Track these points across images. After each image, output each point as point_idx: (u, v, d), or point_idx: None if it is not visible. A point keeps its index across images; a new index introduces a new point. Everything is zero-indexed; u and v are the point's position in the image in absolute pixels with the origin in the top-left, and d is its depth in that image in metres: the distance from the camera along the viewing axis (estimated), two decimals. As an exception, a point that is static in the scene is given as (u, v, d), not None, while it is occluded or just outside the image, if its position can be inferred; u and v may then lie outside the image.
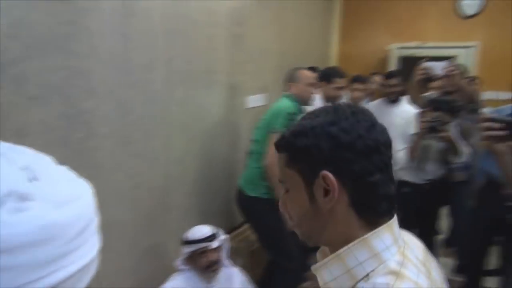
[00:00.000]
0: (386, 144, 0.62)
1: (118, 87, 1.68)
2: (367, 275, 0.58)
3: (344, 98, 3.23)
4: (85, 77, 1.52)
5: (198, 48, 2.21)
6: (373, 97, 3.98)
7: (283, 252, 2.27)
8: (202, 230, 1.75)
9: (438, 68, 2.37)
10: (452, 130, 2.47)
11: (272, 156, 2.15)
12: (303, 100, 2.41)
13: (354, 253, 0.59)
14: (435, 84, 2.81)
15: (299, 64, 3.79)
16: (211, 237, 1.72)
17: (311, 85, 2.42)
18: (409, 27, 4.72)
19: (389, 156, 0.63)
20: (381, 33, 4.86)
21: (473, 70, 4.42)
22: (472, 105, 2.58)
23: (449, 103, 2.40)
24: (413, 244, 0.67)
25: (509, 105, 2.19)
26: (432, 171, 2.63)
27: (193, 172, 2.29)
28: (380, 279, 0.56)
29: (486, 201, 2.36)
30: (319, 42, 4.55)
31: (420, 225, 2.67)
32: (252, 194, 2.31)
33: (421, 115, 2.46)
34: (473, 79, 3.41)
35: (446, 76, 2.32)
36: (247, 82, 2.82)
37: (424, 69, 2.41)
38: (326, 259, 0.62)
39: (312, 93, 2.44)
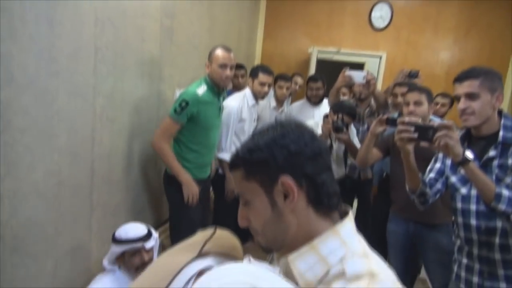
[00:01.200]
0: (326, 150, 0.73)
1: (39, 76, 1.53)
2: (340, 260, 0.65)
3: (271, 94, 3.36)
4: (2, 63, 1.36)
5: (128, 39, 2.11)
6: (294, 97, 4.20)
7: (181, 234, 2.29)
8: (136, 229, 1.67)
9: (359, 77, 2.61)
10: (351, 133, 2.71)
11: (158, 135, 2.25)
12: (215, 82, 2.33)
13: (326, 242, 0.67)
14: (354, 89, 3.08)
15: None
16: (146, 237, 1.65)
17: (223, 66, 2.29)
18: (327, 33, 5.05)
19: (329, 160, 0.74)
20: (301, 35, 5.12)
21: (380, 76, 4.92)
22: (383, 110, 2.89)
23: (349, 107, 2.64)
24: None
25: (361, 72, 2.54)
26: (335, 171, 2.84)
27: (119, 168, 2.19)
28: (355, 264, 0.64)
29: (383, 196, 2.68)
30: (246, 40, 4.63)
31: None
32: (170, 173, 2.33)
33: (324, 118, 2.69)
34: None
35: (366, 84, 2.58)
36: (177, 75, 2.76)
37: (347, 77, 2.63)
38: (300, 250, 0.68)
39: (224, 76, 2.30)
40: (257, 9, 5.01)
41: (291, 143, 0.68)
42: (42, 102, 1.57)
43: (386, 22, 4.88)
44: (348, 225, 0.70)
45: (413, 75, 3.12)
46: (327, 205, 0.70)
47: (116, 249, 1.63)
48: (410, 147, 1.61)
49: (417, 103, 2.15)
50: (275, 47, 5.20)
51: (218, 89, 2.36)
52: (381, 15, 4.87)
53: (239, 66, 3.63)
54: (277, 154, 0.68)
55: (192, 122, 2.26)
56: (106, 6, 1.86)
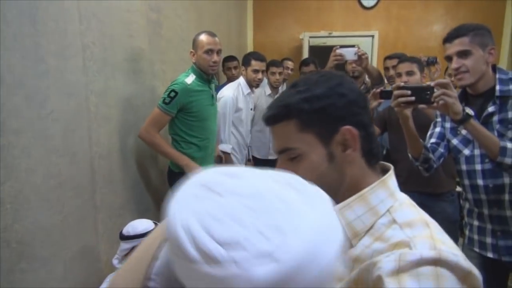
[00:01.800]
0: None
1: (27, 76, 1.50)
2: (388, 210, 0.65)
3: (265, 82, 3.33)
4: (-11, 65, 1.33)
5: (115, 35, 2.07)
6: (289, 82, 4.17)
7: None
8: (143, 224, 1.65)
9: (350, 53, 2.56)
10: None
11: (145, 126, 2.19)
12: (203, 70, 2.27)
13: (376, 193, 0.67)
14: (348, 67, 3.03)
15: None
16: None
17: (209, 52, 2.23)
18: (317, 18, 5.00)
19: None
20: (292, 22, 5.08)
21: (373, 56, 4.88)
22: (378, 85, 2.85)
23: None
24: None
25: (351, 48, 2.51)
26: None
27: (120, 167, 2.16)
28: (405, 213, 0.64)
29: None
30: (236, 32, 4.59)
31: None
32: (175, 169, 2.28)
33: None
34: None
35: (358, 59, 2.53)
36: (170, 71, 2.73)
37: (338, 55, 2.57)
38: (348, 200, 0.67)
39: (211, 61, 2.24)
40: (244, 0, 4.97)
41: (349, 91, 0.67)
42: (34, 102, 1.53)
43: (375, 0, 4.83)
44: (393, 178, 0.70)
45: (431, 62, 3.07)
46: (376, 158, 0.71)
47: (126, 246, 1.61)
48: (408, 111, 1.58)
49: (409, 73, 2.16)
50: (266, 36, 5.16)
51: (207, 76, 2.31)
52: (368, -7, 4.82)
53: (231, 58, 3.61)
54: (336, 102, 0.65)
55: (187, 114, 2.23)
56: (89, 2, 1.83)
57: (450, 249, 0.57)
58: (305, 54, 4.80)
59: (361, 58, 2.54)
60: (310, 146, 0.66)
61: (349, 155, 0.67)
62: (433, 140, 1.69)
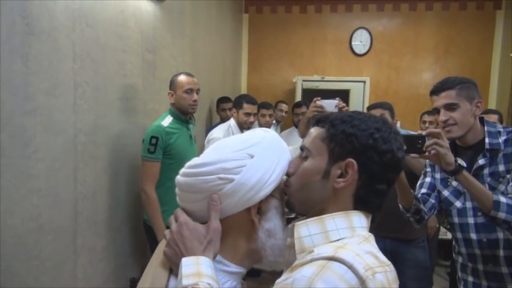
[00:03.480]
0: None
1: (15, 114, 1.46)
2: (340, 239, 0.67)
3: (256, 123, 3.32)
4: (-26, 102, 1.29)
5: (109, 75, 2.07)
6: (283, 124, 4.19)
7: None
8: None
9: (330, 105, 2.55)
10: None
11: (142, 181, 2.16)
12: (182, 110, 2.28)
13: (335, 220, 0.69)
14: None
15: (213, 95, 3.83)
16: None
17: (189, 91, 2.25)
18: (310, 62, 5.13)
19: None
20: (285, 66, 5.20)
21: (365, 101, 4.96)
22: None
23: None
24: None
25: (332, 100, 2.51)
26: None
27: (105, 208, 2.08)
28: (354, 246, 0.65)
29: None
30: (230, 73, 4.66)
31: None
32: (149, 224, 2.19)
33: None
34: None
35: (338, 112, 2.52)
36: (162, 110, 2.71)
37: (318, 106, 2.56)
38: (308, 219, 0.71)
39: (191, 101, 2.25)
40: (239, 42, 5.09)
41: (381, 138, 0.69)
42: (19, 141, 1.48)
43: (366, 48, 4.99)
44: (362, 217, 0.71)
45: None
46: (366, 208, 0.72)
47: None
48: None
49: None
50: (260, 79, 5.25)
51: (185, 117, 2.31)
52: (361, 41, 4.98)
53: (226, 99, 3.63)
54: (362, 137, 0.69)
55: (166, 157, 2.18)
56: (84, 41, 1.83)
57: (355, 254, 0.61)
58: (298, 97, 4.86)
59: (341, 111, 2.53)
60: (319, 155, 0.73)
61: (339, 183, 0.70)
62: (423, 190, 1.65)
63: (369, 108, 2.49)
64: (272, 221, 0.74)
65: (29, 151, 1.54)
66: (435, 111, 1.51)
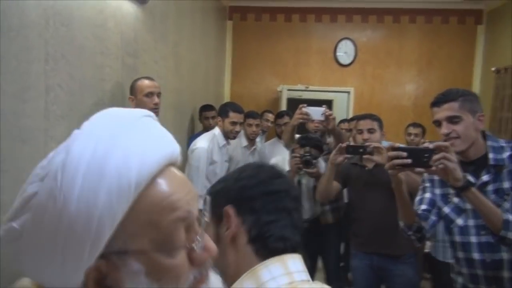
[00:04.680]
0: (287, 193, 0.72)
1: (-24, 119, 1.30)
2: None
3: (241, 133, 3.21)
4: None
5: (86, 78, 1.92)
6: (268, 134, 4.09)
7: None
8: None
9: (317, 113, 2.47)
10: (320, 166, 2.51)
11: None
12: None
13: (243, 284, 0.64)
14: (310, 126, 2.88)
15: (196, 102, 3.70)
16: None
17: (149, 95, 2.13)
18: (294, 71, 5.08)
19: (293, 205, 0.72)
20: (269, 75, 5.12)
21: (349, 111, 4.94)
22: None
23: (316, 140, 2.50)
24: None
25: (319, 108, 2.44)
26: (307, 209, 2.57)
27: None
28: None
29: None
30: (214, 81, 4.55)
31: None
32: None
33: (291, 152, 2.52)
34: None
35: (325, 120, 2.44)
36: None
37: (304, 113, 2.48)
38: (241, 278, 0.65)
39: (152, 104, 2.11)
40: (223, 49, 4.99)
41: (246, 177, 0.71)
42: (-21, 150, 1.32)
43: (351, 58, 4.97)
44: (272, 266, 0.65)
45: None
46: (270, 250, 0.67)
47: None
48: (403, 176, 1.47)
49: (370, 131, 2.19)
50: (244, 87, 5.15)
51: None
52: (345, 51, 4.97)
53: (209, 107, 3.51)
54: (229, 185, 0.71)
55: None
56: (58, 41, 1.69)
57: None
58: (283, 106, 4.77)
59: (328, 119, 2.44)
60: (209, 226, 0.68)
61: (229, 234, 0.67)
62: (424, 206, 1.56)
63: (358, 118, 2.42)
64: None
65: (-8, 161, 1.37)
66: (436, 123, 1.43)
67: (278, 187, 0.71)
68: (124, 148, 0.43)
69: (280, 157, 2.72)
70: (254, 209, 0.68)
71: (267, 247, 0.67)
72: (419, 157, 1.29)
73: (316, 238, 2.61)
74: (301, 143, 2.44)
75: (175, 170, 0.49)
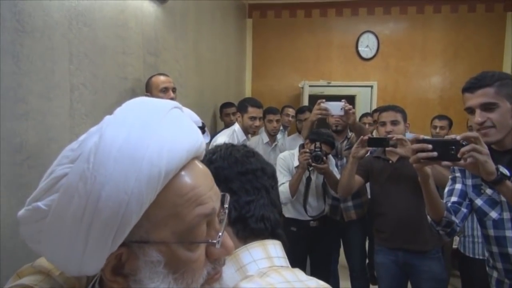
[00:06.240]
0: (263, 171, 0.70)
1: (5, 117, 1.35)
2: (259, 272, 0.58)
3: (262, 129, 3.20)
4: (-42, 104, 1.18)
5: (108, 77, 1.96)
6: (291, 129, 4.07)
7: None
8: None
9: (336, 108, 2.42)
10: (330, 163, 2.46)
11: None
12: None
13: (250, 251, 0.61)
14: (330, 121, 2.83)
15: (217, 101, 3.72)
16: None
17: (164, 90, 2.16)
18: (316, 67, 5.02)
19: (270, 183, 0.70)
20: (290, 71, 5.08)
21: (372, 106, 4.84)
22: None
23: (327, 135, 2.42)
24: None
25: (338, 102, 2.37)
26: (314, 207, 2.51)
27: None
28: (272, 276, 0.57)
29: None
30: (234, 79, 4.56)
31: (312, 264, 2.60)
32: None
33: (301, 148, 2.47)
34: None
35: (345, 115, 2.38)
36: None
37: (323, 109, 2.43)
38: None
39: (168, 99, 2.15)
40: (243, 47, 5.00)
41: (219, 159, 0.68)
42: (10, 147, 1.37)
43: (373, 52, 4.87)
44: (253, 249, 0.62)
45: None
46: (251, 231, 0.64)
47: None
48: (429, 169, 1.38)
49: (394, 123, 2.11)
50: (265, 85, 5.14)
51: None
52: (368, 45, 4.87)
53: (229, 104, 3.52)
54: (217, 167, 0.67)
55: None
56: (82, 41, 1.73)
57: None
58: (305, 103, 4.73)
59: (348, 113, 2.39)
60: None
61: None
62: (454, 198, 1.47)
63: (381, 110, 2.36)
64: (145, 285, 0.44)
65: (21, 157, 1.42)
66: (469, 110, 1.34)
67: (254, 166, 0.69)
68: (156, 137, 0.43)
69: (287, 152, 2.67)
70: (232, 190, 0.64)
71: (247, 228, 0.64)
72: (446, 150, 1.21)
73: (326, 237, 2.57)
74: (311, 138, 2.39)
75: (199, 164, 0.49)
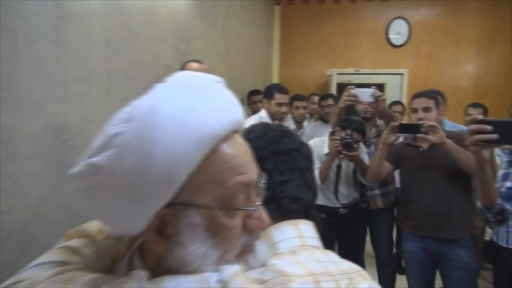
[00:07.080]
0: (298, 151, 0.68)
1: (47, 100, 1.43)
2: (290, 251, 0.58)
3: (289, 116, 3.21)
4: (6, 85, 1.26)
5: (141, 63, 2.02)
6: (315, 117, 4.05)
7: None
8: None
9: (365, 94, 2.37)
10: (361, 150, 2.43)
11: None
12: None
13: (282, 230, 0.61)
14: (359, 108, 2.78)
15: (245, 88, 3.75)
16: None
17: None
18: (344, 54, 4.95)
19: (306, 164, 0.69)
20: (318, 58, 5.04)
21: (402, 95, 4.73)
22: None
23: (358, 123, 2.37)
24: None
25: (367, 89, 2.30)
26: (345, 194, 2.49)
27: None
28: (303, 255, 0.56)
29: None
30: (262, 66, 4.57)
31: (340, 252, 2.57)
32: None
33: (331, 135, 2.44)
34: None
35: (374, 101, 2.34)
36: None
37: (352, 95, 2.40)
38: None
39: None
40: (271, 34, 4.99)
41: (254, 138, 0.66)
42: (52, 128, 1.45)
43: (404, 39, 4.75)
44: (285, 228, 0.62)
45: None
46: (283, 211, 0.63)
47: None
48: (487, 153, 1.28)
49: (426, 109, 2.03)
50: (292, 72, 5.12)
51: None
52: (398, 31, 4.75)
53: (257, 92, 3.54)
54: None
55: None
56: (117, 29, 1.79)
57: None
58: (333, 91, 4.68)
59: (378, 100, 2.34)
60: None
61: None
62: (509, 184, 1.41)
63: (412, 97, 2.32)
64: (187, 249, 0.47)
65: (62, 138, 1.51)
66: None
67: (289, 146, 0.68)
68: (203, 104, 0.46)
69: (317, 139, 2.66)
70: (266, 170, 0.62)
71: (280, 208, 0.63)
72: (509, 132, 1.09)
73: (353, 225, 2.57)
74: (342, 125, 2.37)
75: (239, 137, 0.52)
